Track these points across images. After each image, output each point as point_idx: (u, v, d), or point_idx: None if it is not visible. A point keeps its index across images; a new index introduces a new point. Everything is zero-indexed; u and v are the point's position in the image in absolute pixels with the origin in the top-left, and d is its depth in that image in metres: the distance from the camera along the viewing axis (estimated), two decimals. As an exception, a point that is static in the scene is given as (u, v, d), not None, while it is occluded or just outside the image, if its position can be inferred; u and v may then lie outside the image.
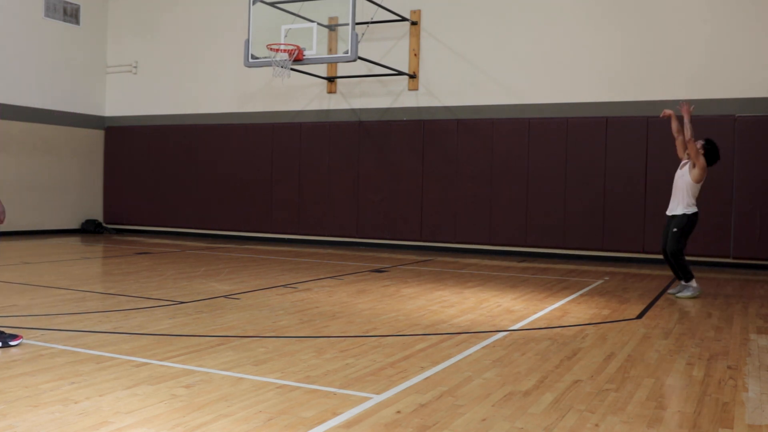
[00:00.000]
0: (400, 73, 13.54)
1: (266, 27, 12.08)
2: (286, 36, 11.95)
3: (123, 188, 16.82)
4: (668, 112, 8.46)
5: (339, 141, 14.43)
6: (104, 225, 16.95)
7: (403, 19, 13.48)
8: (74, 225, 16.42)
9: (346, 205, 14.33)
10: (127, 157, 16.78)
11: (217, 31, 15.69)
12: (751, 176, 11.43)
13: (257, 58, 12.05)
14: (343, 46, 13.25)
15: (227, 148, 15.58)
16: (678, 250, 8.19)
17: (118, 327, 5.75)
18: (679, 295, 8.18)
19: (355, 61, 11.50)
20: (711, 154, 8.17)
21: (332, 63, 13.98)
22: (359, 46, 11.83)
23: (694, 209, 8.21)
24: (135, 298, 7.29)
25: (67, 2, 15.92)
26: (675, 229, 8.20)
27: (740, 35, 11.59)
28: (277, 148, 15.04)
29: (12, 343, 4.92)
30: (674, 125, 8.46)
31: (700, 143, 8.20)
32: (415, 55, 13.75)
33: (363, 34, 12.90)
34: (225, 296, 7.50)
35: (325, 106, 14.68)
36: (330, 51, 13.89)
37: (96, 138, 16.91)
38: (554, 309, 7.17)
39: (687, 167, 8.25)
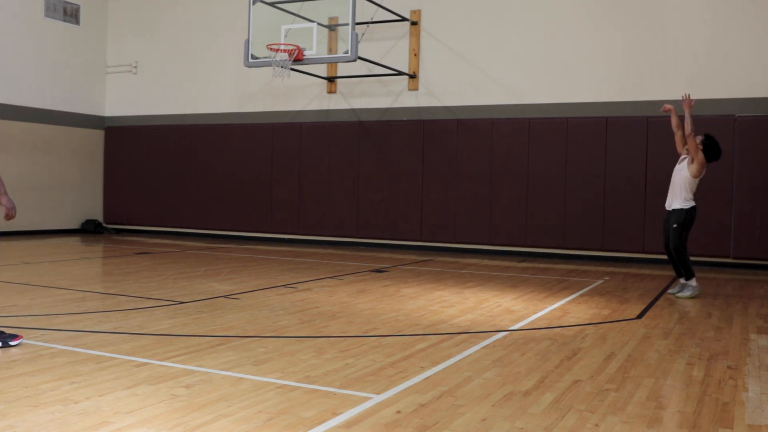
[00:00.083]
0: (400, 73, 13.54)
1: (266, 27, 12.08)
2: (286, 36, 11.96)
3: (123, 188, 16.82)
4: (669, 106, 8.47)
5: (339, 141, 14.43)
6: (104, 225, 16.95)
7: (403, 19, 13.48)
8: (74, 225, 16.42)
9: (346, 205, 14.33)
10: (127, 157, 16.78)
11: (217, 31, 15.69)
12: (751, 176, 11.43)
13: (257, 58, 12.05)
14: (343, 46, 13.25)
15: (227, 148, 15.58)
16: (681, 246, 8.19)
17: (118, 327, 5.75)
18: (679, 295, 8.18)
19: (355, 61, 11.50)
20: (710, 149, 8.17)
21: (332, 63, 13.98)
22: (359, 46, 11.83)
23: (692, 203, 8.21)
24: (135, 298, 7.29)
25: (67, 2, 15.92)
26: (675, 225, 8.21)
27: (740, 35, 11.59)
28: (277, 148, 15.04)
29: (12, 343, 4.92)
30: (674, 120, 8.46)
31: (699, 138, 8.20)
32: (415, 55, 13.75)
33: (363, 34, 12.90)
34: (225, 296, 7.50)
35: (325, 106, 14.68)
36: (330, 51, 13.90)
37: (96, 138, 16.92)
38: (554, 309, 7.17)
39: (686, 162, 8.26)
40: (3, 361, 4.58)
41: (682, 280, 8.33)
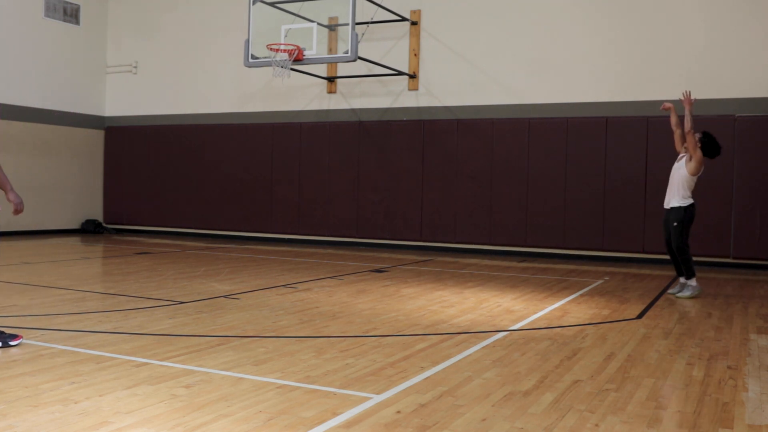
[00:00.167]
0: (400, 73, 13.54)
1: (266, 27, 12.08)
2: (286, 36, 11.95)
3: (123, 188, 16.82)
4: (668, 105, 8.47)
5: (339, 141, 14.43)
6: (104, 225, 16.95)
7: (403, 19, 13.48)
8: (74, 225, 16.42)
9: (346, 206, 14.33)
10: (127, 157, 16.78)
11: (217, 31, 15.69)
12: (751, 176, 11.43)
13: (257, 58, 12.05)
14: (343, 46, 13.26)
15: (227, 148, 15.58)
16: (683, 245, 8.20)
17: (118, 327, 5.75)
18: (679, 295, 8.18)
19: (355, 61, 11.50)
20: (708, 146, 8.18)
21: (332, 63, 13.98)
22: (359, 46, 11.83)
23: (690, 201, 8.21)
24: (135, 298, 7.29)
25: (67, 2, 15.92)
26: (675, 224, 8.21)
27: (740, 35, 11.59)
28: (277, 148, 15.04)
29: (12, 343, 4.92)
30: (673, 119, 8.47)
31: (697, 136, 8.20)
32: (415, 55, 13.75)
33: (363, 34, 12.90)
34: (225, 296, 7.50)
35: (325, 106, 14.68)
36: (330, 51, 13.90)
37: (96, 138, 16.91)
38: (554, 309, 7.17)
39: (684, 160, 8.27)
40: (3, 361, 4.58)
41: (682, 280, 8.33)
